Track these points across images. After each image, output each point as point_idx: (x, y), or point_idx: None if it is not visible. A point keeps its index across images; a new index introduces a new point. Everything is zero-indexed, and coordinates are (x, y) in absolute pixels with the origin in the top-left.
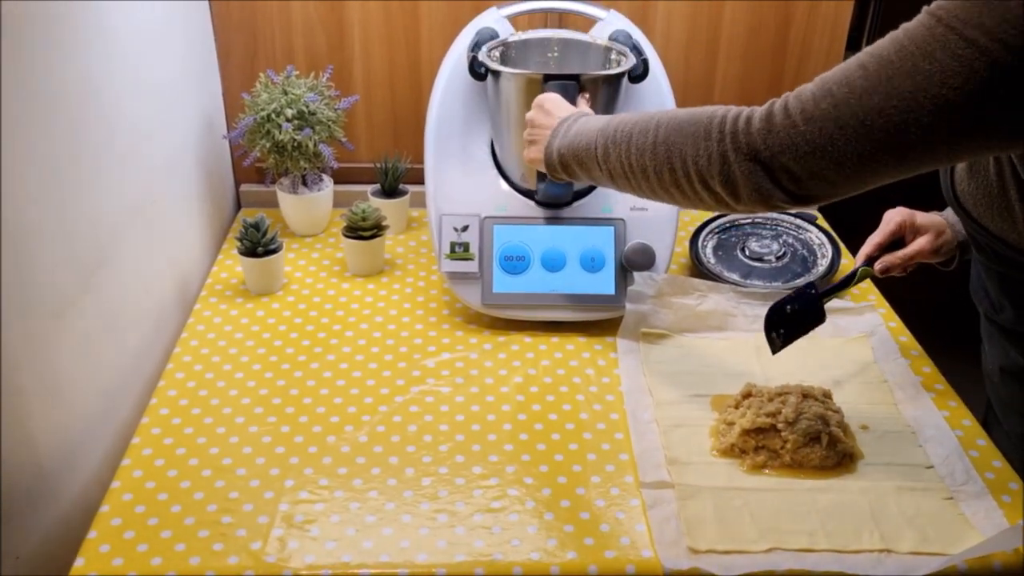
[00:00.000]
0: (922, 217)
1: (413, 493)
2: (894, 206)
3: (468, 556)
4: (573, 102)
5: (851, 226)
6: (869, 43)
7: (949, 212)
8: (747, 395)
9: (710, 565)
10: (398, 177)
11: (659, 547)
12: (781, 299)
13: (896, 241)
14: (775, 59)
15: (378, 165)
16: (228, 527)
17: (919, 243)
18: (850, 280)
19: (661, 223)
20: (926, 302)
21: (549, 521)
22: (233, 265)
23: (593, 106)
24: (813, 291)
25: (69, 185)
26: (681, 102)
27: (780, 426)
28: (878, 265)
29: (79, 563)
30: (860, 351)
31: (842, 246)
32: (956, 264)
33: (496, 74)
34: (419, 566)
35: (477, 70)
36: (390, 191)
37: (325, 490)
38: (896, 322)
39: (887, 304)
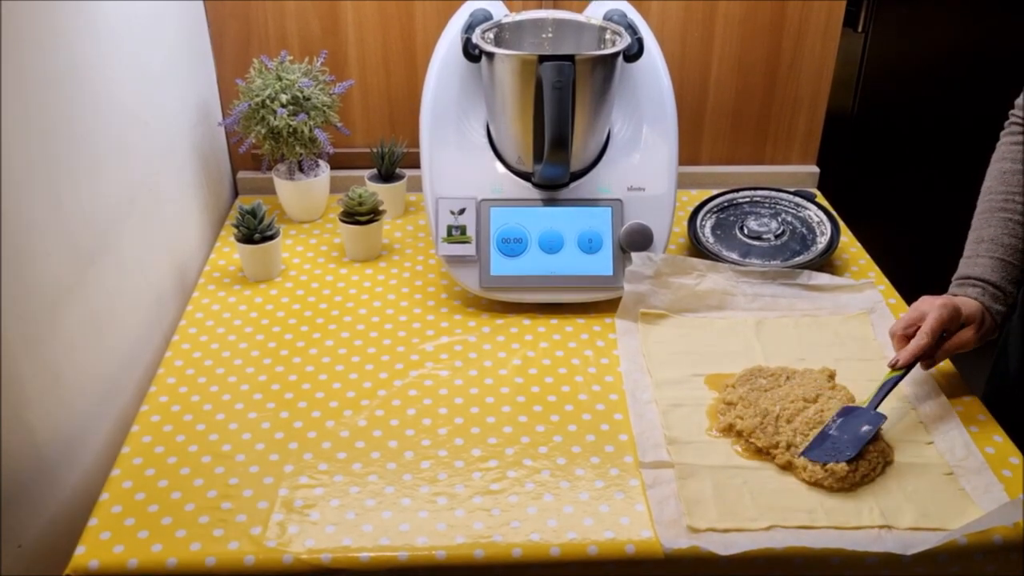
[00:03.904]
0: (965, 309)
1: (412, 476)
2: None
3: (468, 538)
4: (570, 82)
5: (850, 204)
6: (867, 20)
7: (982, 292)
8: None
9: (710, 544)
10: (394, 161)
11: (658, 527)
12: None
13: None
14: (772, 37)
15: (374, 150)
16: (228, 513)
17: (964, 337)
18: (897, 382)
19: (659, 203)
20: (926, 279)
21: (548, 502)
22: (231, 252)
23: (588, 86)
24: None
25: (65, 174)
26: (678, 81)
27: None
28: (923, 364)
29: (80, 550)
30: (860, 328)
31: (841, 224)
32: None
33: (490, 56)
34: (419, 549)
35: (471, 52)
36: (387, 176)
37: (325, 475)
38: (896, 298)
39: (887, 281)
